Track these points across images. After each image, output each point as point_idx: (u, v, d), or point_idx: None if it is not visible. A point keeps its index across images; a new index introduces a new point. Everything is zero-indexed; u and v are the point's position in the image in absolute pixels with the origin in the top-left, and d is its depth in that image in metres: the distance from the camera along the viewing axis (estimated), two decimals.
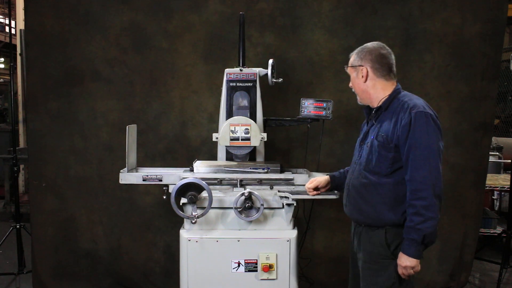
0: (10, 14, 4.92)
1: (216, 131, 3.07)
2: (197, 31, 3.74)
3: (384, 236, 2.29)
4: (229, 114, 3.08)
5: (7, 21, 16.41)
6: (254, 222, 2.72)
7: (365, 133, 2.45)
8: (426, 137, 2.17)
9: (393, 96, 2.33)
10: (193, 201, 2.63)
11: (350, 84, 2.47)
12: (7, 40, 7.43)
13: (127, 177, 2.92)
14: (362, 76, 2.36)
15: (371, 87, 2.37)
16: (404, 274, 2.23)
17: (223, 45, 3.71)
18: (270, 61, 3.12)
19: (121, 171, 2.93)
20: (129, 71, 3.77)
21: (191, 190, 2.63)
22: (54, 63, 3.75)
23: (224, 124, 2.94)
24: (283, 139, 3.83)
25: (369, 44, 2.40)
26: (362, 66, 2.36)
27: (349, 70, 2.45)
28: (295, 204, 2.74)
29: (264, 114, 3.13)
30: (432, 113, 2.22)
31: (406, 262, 2.20)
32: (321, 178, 2.69)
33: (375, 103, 2.38)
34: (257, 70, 3.12)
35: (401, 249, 2.22)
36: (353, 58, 2.42)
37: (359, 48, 2.41)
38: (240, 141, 2.92)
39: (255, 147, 2.99)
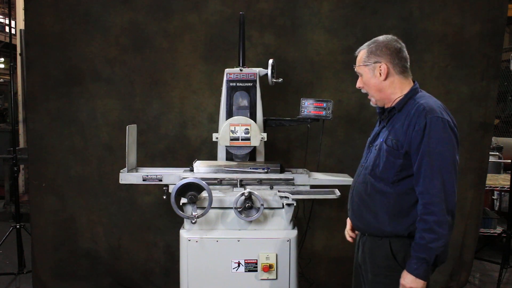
0: (10, 14, 4.92)
1: (216, 131, 3.07)
2: (197, 31, 3.73)
3: (389, 246, 2.09)
4: (229, 114, 3.08)
5: (7, 21, 16.39)
6: (254, 222, 2.72)
7: (376, 135, 2.24)
8: (441, 145, 1.96)
9: (409, 97, 2.11)
10: (193, 201, 2.63)
11: (359, 85, 2.23)
12: (7, 40, 7.41)
13: (127, 177, 2.92)
14: (381, 74, 2.11)
15: (388, 86, 2.13)
16: None
17: (223, 45, 3.71)
18: (270, 61, 3.12)
19: (121, 171, 2.93)
20: (129, 71, 3.77)
21: (191, 190, 2.63)
22: (54, 63, 3.75)
23: (224, 124, 2.94)
24: (283, 139, 3.83)
25: (381, 38, 2.15)
26: (380, 62, 2.11)
27: (361, 69, 2.18)
28: (295, 204, 2.74)
29: (264, 114, 3.13)
30: (450, 119, 2.01)
31: (412, 283, 1.95)
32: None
33: (390, 103, 2.17)
34: (257, 70, 3.11)
35: (407, 268, 1.98)
36: (365, 55, 2.15)
37: (370, 44, 2.16)
38: (240, 141, 2.92)
39: (255, 147, 2.99)
